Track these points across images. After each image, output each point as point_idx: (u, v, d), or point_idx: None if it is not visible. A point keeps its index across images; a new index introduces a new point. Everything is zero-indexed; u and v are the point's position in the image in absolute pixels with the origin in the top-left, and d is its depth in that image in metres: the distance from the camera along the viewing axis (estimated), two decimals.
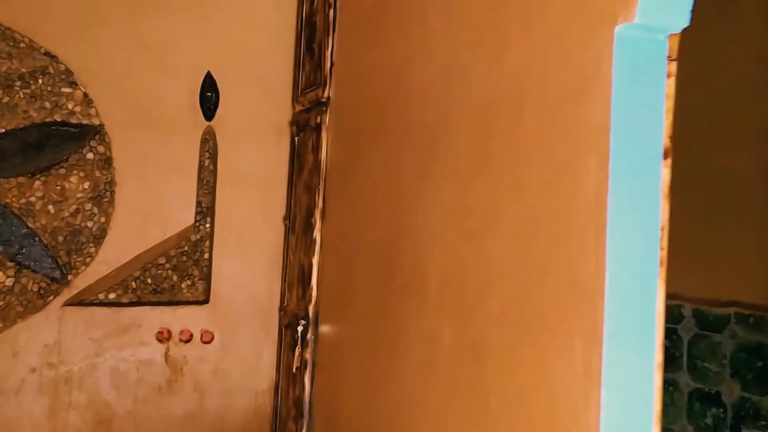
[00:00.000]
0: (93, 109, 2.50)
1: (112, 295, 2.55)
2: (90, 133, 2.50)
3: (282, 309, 2.72)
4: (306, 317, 2.43)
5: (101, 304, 2.53)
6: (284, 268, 2.76)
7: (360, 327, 2.05)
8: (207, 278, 2.71)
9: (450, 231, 1.58)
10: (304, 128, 2.63)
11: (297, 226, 2.63)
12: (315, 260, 2.42)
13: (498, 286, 1.37)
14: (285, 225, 2.76)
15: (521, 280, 1.31)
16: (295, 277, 2.61)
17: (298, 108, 2.70)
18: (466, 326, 1.47)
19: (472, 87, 1.54)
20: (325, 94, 2.43)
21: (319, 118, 2.45)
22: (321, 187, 2.42)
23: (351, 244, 2.15)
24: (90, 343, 2.47)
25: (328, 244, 2.36)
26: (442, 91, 1.66)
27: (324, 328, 2.35)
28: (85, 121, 2.49)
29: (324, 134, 2.43)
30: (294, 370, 2.42)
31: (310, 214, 2.50)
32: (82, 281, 2.48)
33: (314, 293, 2.42)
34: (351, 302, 2.13)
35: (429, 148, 1.70)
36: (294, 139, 2.73)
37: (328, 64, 2.43)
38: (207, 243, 2.72)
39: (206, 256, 2.71)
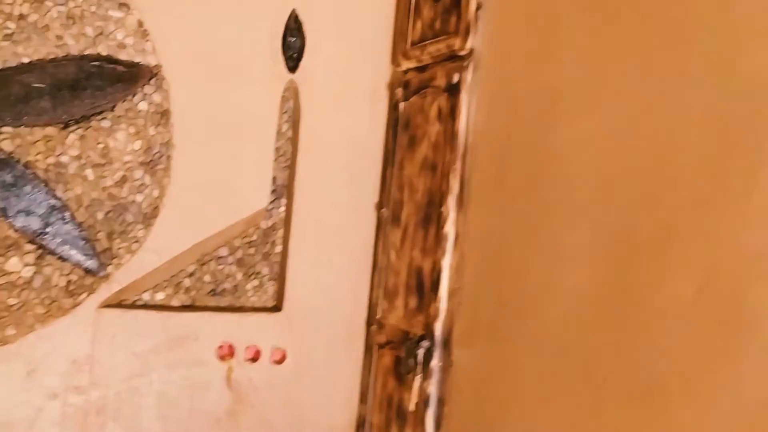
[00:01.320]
0: (149, 43, 1.84)
1: (160, 296, 1.89)
2: (143, 75, 1.84)
3: (374, 323, 2.12)
4: (429, 337, 1.83)
5: (147, 306, 1.87)
6: (376, 269, 2.15)
7: (553, 357, 1.48)
8: (279, 278, 2.08)
9: None
10: (421, 90, 2.03)
11: (405, 216, 2.03)
12: (446, 262, 1.83)
13: None
14: (380, 214, 2.16)
15: None
16: (402, 283, 2.01)
17: (407, 65, 2.10)
18: None
19: None
20: (466, 46, 1.84)
21: (456, 76, 1.86)
22: (457, 166, 1.83)
23: (534, 243, 1.56)
24: (132, 360, 1.81)
25: (471, 241, 1.78)
26: None
27: (462, 353, 1.76)
28: (137, 59, 1.83)
29: (464, 97, 1.84)
30: (411, 406, 1.82)
31: (433, 201, 1.91)
32: (125, 275, 1.82)
33: (443, 305, 1.83)
34: (528, 320, 1.55)
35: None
36: (397, 105, 2.13)
37: (473, 7, 1.84)
38: (280, 232, 2.09)
39: (278, 249, 2.09)
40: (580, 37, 1.51)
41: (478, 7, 1.84)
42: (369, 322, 2.16)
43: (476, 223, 1.77)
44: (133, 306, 1.84)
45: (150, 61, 1.84)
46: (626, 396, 1.31)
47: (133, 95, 1.82)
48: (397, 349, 1.98)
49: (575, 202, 1.46)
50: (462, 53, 1.86)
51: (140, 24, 1.83)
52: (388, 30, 2.22)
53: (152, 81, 1.84)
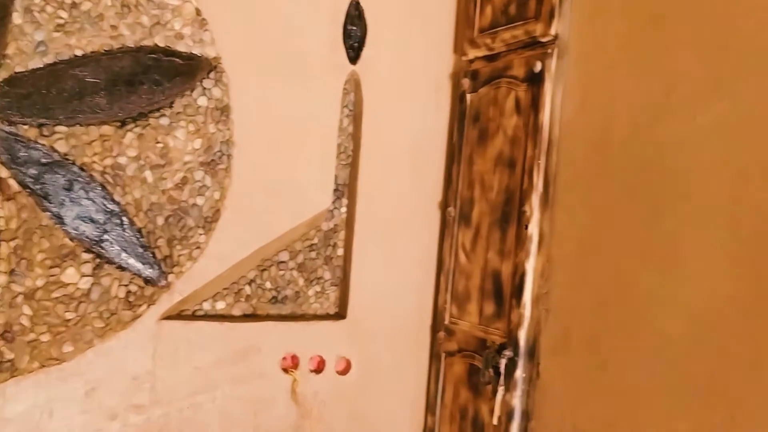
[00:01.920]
0: (207, 33, 1.71)
1: (220, 305, 1.77)
2: (203, 69, 1.71)
3: (442, 329, 1.99)
4: (512, 345, 1.71)
5: (208, 317, 1.74)
6: (442, 272, 2.02)
7: (671, 371, 1.35)
8: (342, 283, 1.95)
9: None
10: (493, 80, 1.89)
11: (476, 215, 1.90)
12: (529, 265, 1.70)
13: None
14: (446, 214, 2.02)
15: None
16: (475, 287, 1.88)
17: (474, 54, 1.96)
18: None
19: None
20: (551, 31, 1.70)
21: (538, 64, 1.72)
22: (542, 162, 1.70)
23: (643, 246, 1.43)
24: (195, 375, 1.69)
25: (559, 243, 1.65)
26: None
27: (552, 364, 1.63)
28: (196, 50, 1.70)
29: (548, 87, 1.70)
30: (495, 420, 1.70)
31: (512, 199, 1.78)
32: (185, 284, 1.69)
33: (527, 312, 1.70)
34: (638, 329, 1.42)
35: None
36: (464, 97, 2.00)
37: None
38: (342, 234, 1.96)
39: (340, 252, 1.96)
40: (695, 27, 1.37)
41: None
42: (435, 328, 2.03)
43: (565, 223, 1.64)
44: (194, 317, 1.71)
45: (209, 52, 1.70)
46: (761, 410, 1.19)
47: (192, 90, 1.69)
48: (472, 358, 1.86)
49: (698, 200, 1.33)
50: (544, 39, 1.72)
51: (198, 12, 1.69)
52: (451, 16, 2.09)
53: (211, 74, 1.71)
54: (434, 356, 2.02)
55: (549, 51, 1.71)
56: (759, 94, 1.24)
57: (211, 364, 1.70)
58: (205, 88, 1.70)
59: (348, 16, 1.93)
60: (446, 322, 1.98)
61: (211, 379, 1.70)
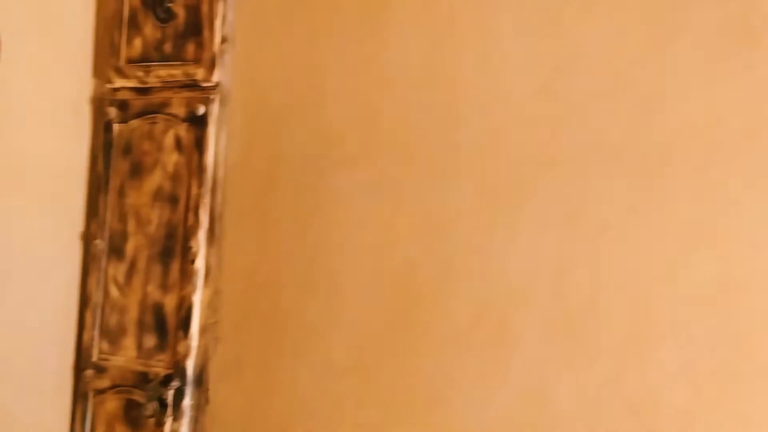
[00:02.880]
0: None
1: None
2: None
3: (90, 367, 1.90)
4: (180, 376, 1.78)
5: None
6: (88, 307, 1.94)
7: (338, 380, 1.63)
8: None
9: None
10: (147, 114, 1.90)
11: (131, 249, 1.89)
12: (197, 298, 1.79)
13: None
14: (92, 246, 1.94)
15: None
16: (132, 321, 1.87)
17: (122, 83, 1.94)
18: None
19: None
20: (213, 78, 1.83)
21: (201, 107, 1.82)
22: (207, 200, 1.81)
23: (311, 279, 1.68)
24: None
25: (227, 276, 1.79)
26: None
27: (222, 389, 1.76)
28: None
29: (212, 129, 1.82)
30: None
31: (174, 234, 1.84)
32: None
33: (195, 342, 1.79)
34: (308, 349, 1.67)
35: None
36: (110, 126, 1.95)
37: (217, 39, 1.83)
38: None
39: None
40: (351, 92, 1.68)
41: (224, 40, 1.83)
42: (80, 367, 1.93)
43: (234, 258, 1.79)
44: None
45: None
46: (412, 408, 1.57)
47: None
48: (129, 393, 1.85)
49: (355, 244, 1.64)
50: (206, 84, 1.83)
51: None
52: (88, 38, 2.00)
53: None
54: (80, 396, 1.92)
55: (211, 97, 1.83)
56: (403, 159, 1.61)
57: None
58: None
59: None
60: (95, 359, 1.91)
61: None
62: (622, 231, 1.38)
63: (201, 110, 1.82)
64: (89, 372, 1.91)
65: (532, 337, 1.45)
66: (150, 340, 1.84)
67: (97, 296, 1.92)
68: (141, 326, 1.86)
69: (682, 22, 1.38)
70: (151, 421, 1.80)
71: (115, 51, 1.95)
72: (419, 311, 1.57)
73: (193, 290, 1.79)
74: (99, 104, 1.98)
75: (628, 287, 1.37)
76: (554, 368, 1.42)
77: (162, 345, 1.83)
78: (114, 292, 1.90)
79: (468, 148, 1.55)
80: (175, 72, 1.87)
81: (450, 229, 1.55)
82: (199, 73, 1.83)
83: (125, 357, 1.87)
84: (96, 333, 1.92)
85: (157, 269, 1.85)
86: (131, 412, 1.84)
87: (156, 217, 1.87)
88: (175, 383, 1.77)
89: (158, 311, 1.84)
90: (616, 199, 1.39)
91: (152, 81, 1.90)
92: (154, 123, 1.89)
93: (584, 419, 1.39)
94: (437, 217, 1.57)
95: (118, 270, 1.90)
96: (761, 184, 1.28)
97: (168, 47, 1.89)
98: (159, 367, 1.81)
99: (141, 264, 1.87)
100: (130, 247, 1.89)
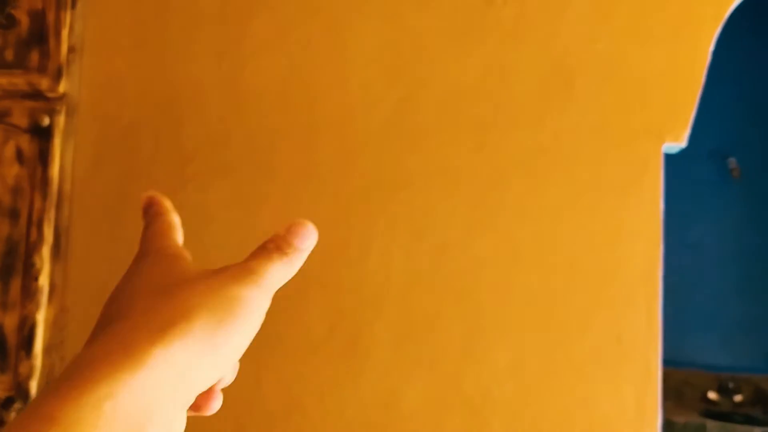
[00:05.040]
0: None
1: None
2: None
3: None
4: (23, 398, 1.70)
5: None
6: None
7: None
8: None
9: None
10: None
11: None
12: (41, 316, 1.73)
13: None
14: None
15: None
16: None
17: None
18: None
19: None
20: (59, 89, 1.77)
21: (46, 119, 1.76)
22: (52, 215, 1.75)
23: None
24: None
25: (74, 294, 1.74)
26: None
27: None
28: None
29: (58, 142, 1.77)
30: None
31: (15, 250, 1.76)
32: None
33: (39, 362, 1.72)
34: None
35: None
36: None
37: (63, 49, 1.78)
38: None
39: None
40: (206, 109, 1.72)
41: (71, 50, 1.79)
42: None
43: (81, 274, 1.75)
44: None
45: None
46: (268, 417, 1.64)
47: None
48: None
49: (212, 260, 1.67)
50: (52, 95, 1.77)
51: None
52: None
53: None
54: None
55: (57, 108, 1.77)
56: (260, 178, 1.67)
57: None
58: None
59: None
60: None
61: None
62: (461, 248, 1.54)
63: (46, 121, 1.76)
64: None
65: (383, 345, 1.58)
66: None
67: None
68: None
69: (511, 63, 1.57)
70: None
71: None
72: (275, 323, 1.64)
73: (37, 308, 1.73)
74: None
75: (465, 298, 1.54)
76: (402, 373, 1.56)
77: (2, 367, 1.74)
78: None
79: (323, 169, 1.65)
80: (18, 81, 1.79)
81: None
82: (44, 83, 1.77)
83: None
84: None
85: None
86: None
87: None
88: (18, 405, 1.70)
89: None
90: (456, 220, 1.55)
91: None
92: None
93: (429, 417, 1.54)
94: None
95: None
96: (576, 206, 1.50)
97: (9, 54, 1.80)
98: (0, 389, 1.73)
99: None
100: None
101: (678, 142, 1.47)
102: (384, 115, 1.63)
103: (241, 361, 1.58)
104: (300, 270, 1.59)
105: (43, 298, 1.74)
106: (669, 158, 1.53)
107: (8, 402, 1.71)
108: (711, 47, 1.52)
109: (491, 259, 1.53)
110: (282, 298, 1.61)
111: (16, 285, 1.75)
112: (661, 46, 1.53)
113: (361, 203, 1.63)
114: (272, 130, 1.68)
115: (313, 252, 1.64)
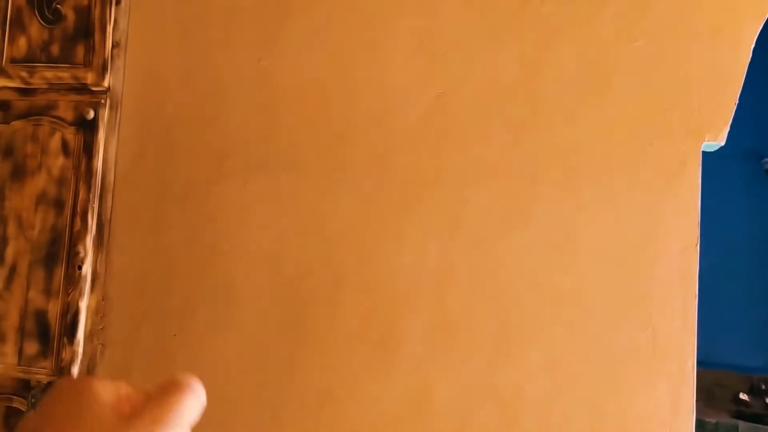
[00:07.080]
0: None
1: None
2: None
3: None
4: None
5: None
6: None
7: (229, 383, 1.69)
8: None
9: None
10: (31, 115, 1.86)
11: (12, 254, 1.84)
12: (83, 303, 1.78)
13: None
14: None
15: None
16: (12, 328, 1.82)
17: (4, 83, 1.88)
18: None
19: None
20: (104, 83, 1.82)
21: (91, 112, 1.81)
22: (95, 205, 1.80)
23: (201, 287, 1.72)
24: None
25: (115, 282, 1.79)
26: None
27: None
28: None
29: (102, 134, 1.81)
30: None
31: (59, 239, 1.81)
32: None
33: (81, 349, 1.78)
34: (199, 353, 1.72)
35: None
36: None
37: (108, 44, 1.83)
38: None
39: None
40: (247, 103, 1.75)
41: (115, 45, 1.83)
42: None
43: (122, 264, 1.80)
44: None
45: None
46: (302, 407, 1.67)
47: None
48: (9, 400, 1.81)
49: (249, 249, 1.71)
50: (96, 89, 1.82)
51: None
52: None
53: None
54: None
55: (102, 101, 1.82)
56: (297, 172, 1.70)
57: None
58: None
59: None
60: None
61: None
62: (495, 244, 1.56)
63: (91, 114, 1.81)
64: None
65: (415, 339, 1.60)
66: (32, 348, 1.81)
67: None
68: (22, 333, 1.82)
69: (547, 61, 1.58)
70: None
71: None
72: (310, 316, 1.67)
73: (80, 296, 1.78)
74: None
75: (499, 294, 1.56)
76: (434, 366, 1.58)
77: (45, 352, 1.80)
78: None
79: (359, 164, 1.67)
80: (64, 75, 1.84)
81: (340, 239, 1.67)
82: (90, 77, 1.82)
83: (5, 364, 1.82)
84: None
85: (40, 274, 1.82)
86: (11, 419, 1.80)
87: (39, 221, 1.83)
88: None
89: (41, 318, 1.80)
90: (490, 216, 1.56)
91: (37, 82, 1.86)
92: (40, 125, 1.85)
93: (460, 410, 1.56)
94: (328, 227, 1.67)
95: None
96: (613, 204, 1.50)
97: (55, 49, 1.86)
98: (42, 374, 1.79)
99: (22, 269, 1.83)
100: (11, 251, 1.84)
101: (717, 141, 1.46)
102: (420, 111, 1.64)
103: (276, 353, 1.61)
104: (334, 265, 1.62)
105: (86, 286, 1.79)
106: (704, 157, 1.52)
107: (50, 386, 1.76)
108: (752, 45, 1.51)
109: (525, 256, 1.54)
110: (315, 292, 1.65)
111: (59, 273, 1.81)
112: (701, 44, 1.52)
113: (396, 199, 1.65)
114: (309, 126, 1.70)
115: (346, 246, 1.67)
